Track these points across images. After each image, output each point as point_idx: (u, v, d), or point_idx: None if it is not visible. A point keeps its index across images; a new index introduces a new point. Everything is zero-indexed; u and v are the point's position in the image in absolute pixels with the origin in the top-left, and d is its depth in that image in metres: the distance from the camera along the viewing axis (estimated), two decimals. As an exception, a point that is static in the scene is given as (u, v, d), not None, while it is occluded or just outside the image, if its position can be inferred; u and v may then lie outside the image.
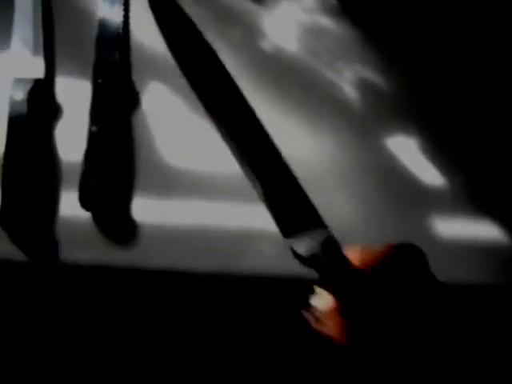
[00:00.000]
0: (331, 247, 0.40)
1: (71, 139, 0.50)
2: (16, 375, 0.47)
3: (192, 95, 0.49)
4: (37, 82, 0.50)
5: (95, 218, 0.48)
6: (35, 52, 0.51)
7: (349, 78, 0.54)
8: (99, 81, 0.51)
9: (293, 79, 0.54)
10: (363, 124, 0.52)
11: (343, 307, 0.38)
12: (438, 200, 0.50)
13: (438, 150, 0.52)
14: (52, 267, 0.47)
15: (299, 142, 0.52)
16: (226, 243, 0.48)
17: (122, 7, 0.54)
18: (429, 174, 0.51)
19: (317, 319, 0.38)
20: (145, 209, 0.49)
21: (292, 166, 0.48)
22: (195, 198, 0.49)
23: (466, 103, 0.53)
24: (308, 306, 0.39)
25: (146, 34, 0.53)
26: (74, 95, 0.51)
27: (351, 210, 0.50)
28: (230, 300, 0.48)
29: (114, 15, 0.53)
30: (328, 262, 0.40)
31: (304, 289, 0.41)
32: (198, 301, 0.48)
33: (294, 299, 0.47)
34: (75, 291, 0.47)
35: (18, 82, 0.49)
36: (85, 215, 0.48)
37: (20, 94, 0.49)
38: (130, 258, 0.47)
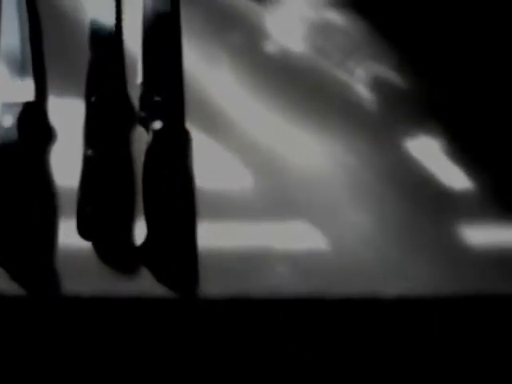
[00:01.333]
0: None
1: (66, 164, 0.48)
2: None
3: (194, 111, 0.48)
4: (26, 105, 0.48)
5: (95, 246, 0.46)
6: (23, 73, 0.49)
7: (361, 78, 0.50)
8: (92, 99, 0.48)
9: (300, 82, 0.50)
10: (379, 127, 0.49)
11: None
12: (462, 204, 0.47)
13: (461, 150, 0.48)
14: (53, 301, 0.46)
15: (309, 149, 0.49)
16: (234, 267, 0.46)
17: (113, 17, 0.51)
18: (452, 177, 0.48)
19: None
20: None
21: (303, 175, 0.45)
22: (201, 220, 0.47)
23: (489, 100, 0.49)
24: None
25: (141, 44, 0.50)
26: (68, 117, 0.49)
27: (368, 220, 0.47)
28: (243, 325, 0.46)
29: (106, 26, 0.50)
30: None
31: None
32: (208, 329, 0.45)
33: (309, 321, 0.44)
34: (78, 325, 0.46)
35: (6, 106, 0.47)
36: (85, 244, 0.46)
37: (9, 120, 0.47)
38: (135, 288, 0.45)
